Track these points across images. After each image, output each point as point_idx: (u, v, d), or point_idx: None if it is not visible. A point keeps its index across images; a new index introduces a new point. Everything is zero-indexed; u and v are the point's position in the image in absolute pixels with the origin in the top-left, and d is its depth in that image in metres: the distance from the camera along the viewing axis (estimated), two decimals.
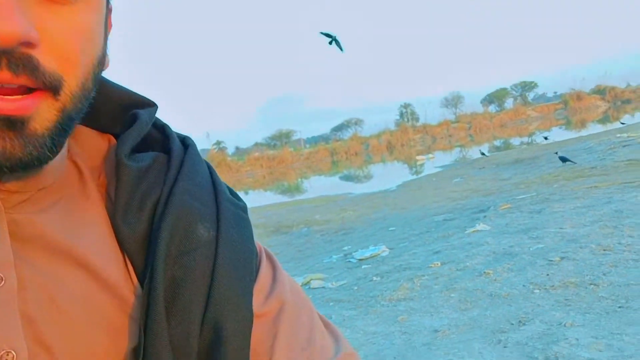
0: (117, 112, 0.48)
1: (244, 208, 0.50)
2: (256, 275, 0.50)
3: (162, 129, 0.50)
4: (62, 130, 0.35)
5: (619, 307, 2.31)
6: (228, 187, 0.51)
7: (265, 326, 0.49)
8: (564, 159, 9.58)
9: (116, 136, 0.49)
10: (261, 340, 0.48)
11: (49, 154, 0.35)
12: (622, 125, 17.51)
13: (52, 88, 0.33)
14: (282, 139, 72.63)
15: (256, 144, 74.33)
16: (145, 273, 0.42)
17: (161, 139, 0.50)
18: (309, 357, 0.51)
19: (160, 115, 0.52)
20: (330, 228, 8.17)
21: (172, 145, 0.48)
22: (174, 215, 0.43)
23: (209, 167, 0.50)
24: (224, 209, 0.46)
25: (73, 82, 0.35)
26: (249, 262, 0.47)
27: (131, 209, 0.44)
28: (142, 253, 0.43)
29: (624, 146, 9.35)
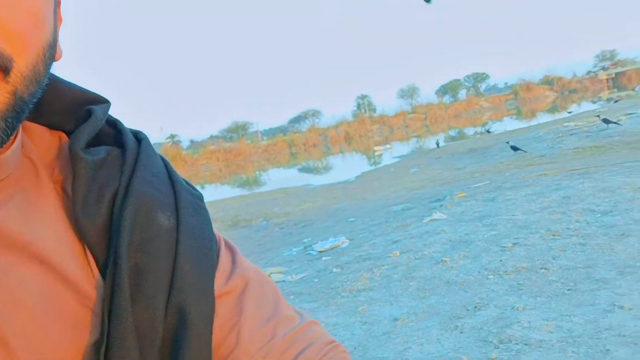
0: (69, 109, 0.48)
1: (200, 197, 0.52)
2: (217, 261, 0.52)
3: (114, 124, 0.51)
4: (15, 114, 0.35)
5: (568, 289, 2.43)
6: (183, 178, 0.52)
7: (231, 303, 0.51)
8: (515, 148, 9.94)
9: (68, 133, 0.49)
10: (227, 318, 0.50)
11: (3, 136, 0.35)
12: (569, 115, 18.25)
13: (2, 68, 0.32)
14: (238, 131, 71.73)
15: (212, 137, 73.13)
16: (107, 263, 0.43)
17: (113, 133, 0.50)
18: (274, 326, 0.53)
19: (111, 110, 0.52)
20: (289, 221, 8.16)
21: (125, 139, 0.49)
22: (134, 205, 0.44)
23: (163, 159, 0.51)
24: (182, 198, 0.48)
25: (23, 63, 0.34)
26: (209, 248, 0.49)
27: (89, 201, 0.44)
28: (104, 244, 0.44)
29: (571, 135, 9.74)
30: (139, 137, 0.50)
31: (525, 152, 9.50)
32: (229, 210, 11.42)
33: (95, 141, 0.49)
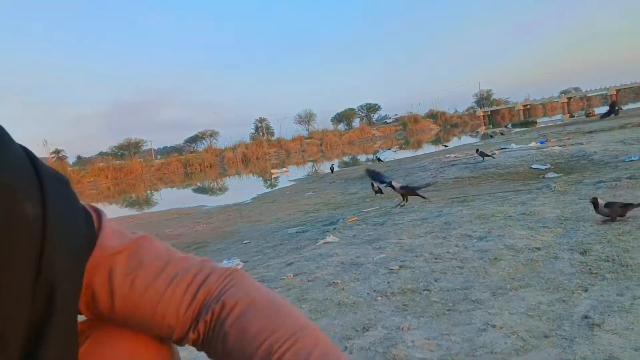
0: None
1: (67, 182, 0.54)
2: (99, 231, 0.60)
3: None
4: None
5: (448, 310, 2.60)
6: (49, 166, 0.53)
7: (124, 260, 0.60)
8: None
9: None
10: (126, 272, 0.60)
11: None
12: (445, 148, 19.78)
13: None
14: (130, 148, 68.43)
15: (101, 154, 69.10)
16: None
17: None
18: (174, 267, 0.65)
19: None
20: (182, 242, 7.88)
21: None
22: None
23: (25, 149, 0.50)
24: (48, 187, 0.48)
25: None
26: (78, 232, 0.53)
27: None
28: None
29: (452, 165, 10.54)
30: None
31: (383, 161, 12.15)
32: None
33: None
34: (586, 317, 2.24)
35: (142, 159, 54.86)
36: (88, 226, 0.58)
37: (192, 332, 0.64)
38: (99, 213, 0.65)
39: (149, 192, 28.79)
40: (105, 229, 0.61)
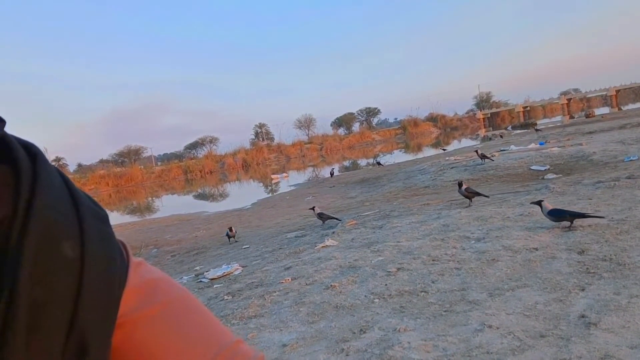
0: None
1: (105, 218, 0.47)
2: (126, 277, 0.48)
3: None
4: None
5: (445, 311, 2.59)
6: (86, 194, 0.47)
7: (147, 329, 0.48)
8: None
9: None
10: (147, 345, 0.48)
11: None
12: (444, 151, 19.81)
13: None
14: (131, 155, 68.65)
15: (102, 161, 69.33)
16: None
17: None
18: (205, 348, 0.50)
19: None
20: (182, 248, 7.88)
21: (15, 154, 0.42)
22: (38, 233, 0.39)
23: (62, 176, 0.45)
24: (88, 225, 0.43)
25: None
26: (113, 280, 0.45)
27: None
28: None
29: (452, 168, 10.53)
30: (32, 151, 0.43)
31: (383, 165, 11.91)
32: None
33: None
34: (583, 316, 2.24)
35: (142, 166, 54.94)
36: (118, 278, 0.49)
37: None
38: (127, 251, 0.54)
39: (149, 198, 28.81)
40: (133, 279, 0.53)
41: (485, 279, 2.94)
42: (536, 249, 3.30)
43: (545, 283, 2.72)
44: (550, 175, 7.42)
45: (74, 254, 0.41)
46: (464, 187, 5.96)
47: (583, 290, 2.54)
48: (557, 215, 3.74)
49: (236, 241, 7.13)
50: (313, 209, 6.76)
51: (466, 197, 5.84)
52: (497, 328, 2.27)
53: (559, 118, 43.71)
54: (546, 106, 72.02)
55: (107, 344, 0.44)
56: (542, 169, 8.30)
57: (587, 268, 2.82)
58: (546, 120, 41.39)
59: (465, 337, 2.24)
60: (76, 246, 0.41)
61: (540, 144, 12.62)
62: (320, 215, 6.54)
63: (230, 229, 7.24)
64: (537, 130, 20.22)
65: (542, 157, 9.17)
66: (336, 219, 6.47)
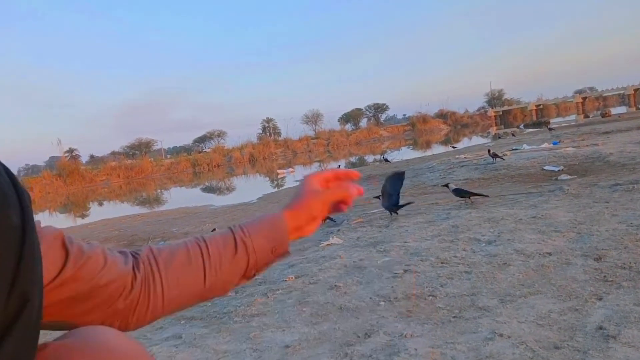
0: None
1: (30, 195, 0.56)
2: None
3: None
4: None
5: (453, 317, 2.48)
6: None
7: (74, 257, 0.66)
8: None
9: None
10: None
11: None
12: (453, 149, 19.62)
13: None
14: (142, 148, 69.15)
15: (113, 153, 69.86)
16: None
17: None
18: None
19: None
20: None
21: None
22: None
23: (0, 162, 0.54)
24: (25, 200, 0.52)
25: None
26: (38, 244, 0.55)
27: None
28: None
29: (462, 166, 10.38)
30: None
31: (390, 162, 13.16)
32: (126, 229, 10.78)
33: None
34: (601, 327, 2.12)
35: (152, 159, 55.16)
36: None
37: (137, 272, 0.72)
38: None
39: (158, 190, 28.91)
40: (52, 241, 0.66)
41: (496, 284, 2.82)
42: (550, 254, 3.17)
43: (559, 290, 2.60)
44: (564, 176, 7.26)
45: (18, 221, 0.50)
46: (452, 187, 5.85)
47: (600, 299, 2.41)
48: (459, 193, 5.60)
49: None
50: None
51: (462, 197, 5.72)
52: (509, 337, 2.16)
53: (573, 117, 43.20)
54: (560, 105, 71.24)
55: (41, 295, 0.55)
56: (556, 169, 8.13)
57: (605, 276, 2.69)
58: (560, 119, 40.91)
59: (474, 346, 2.13)
60: (19, 216, 0.50)
61: (554, 143, 12.43)
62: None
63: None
64: (550, 129, 19.81)
65: (556, 157, 8.99)
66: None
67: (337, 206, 0.90)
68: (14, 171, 0.54)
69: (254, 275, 0.84)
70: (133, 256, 0.75)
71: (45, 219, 21.00)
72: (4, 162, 0.53)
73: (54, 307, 0.64)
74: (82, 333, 0.65)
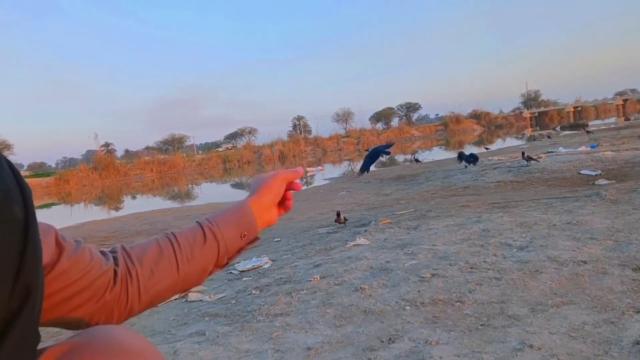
0: None
1: (31, 189, 0.57)
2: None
3: None
4: None
5: (481, 325, 2.40)
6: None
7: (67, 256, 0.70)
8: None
9: None
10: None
11: None
12: (486, 150, 19.22)
13: None
14: (174, 144, 70.53)
15: (147, 148, 71.50)
16: None
17: None
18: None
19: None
20: None
21: None
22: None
23: (3, 156, 0.54)
24: (27, 194, 0.54)
25: None
26: (39, 237, 0.57)
27: None
28: None
29: (494, 168, 10.16)
30: None
31: (421, 162, 13.83)
32: (156, 223, 10.96)
33: None
34: (638, 342, 2.01)
35: (184, 154, 56.07)
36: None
37: (116, 268, 0.76)
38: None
39: (189, 186, 29.34)
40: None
41: (527, 292, 2.72)
42: (585, 262, 3.04)
43: (594, 301, 2.48)
44: (602, 181, 7.01)
45: (20, 214, 0.51)
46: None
47: (638, 312, 2.30)
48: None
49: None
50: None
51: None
52: (539, 348, 2.07)
53: (612, 119, 41.80)
54: (599, 107, 69.08)
55: (42, 287, 0.57)
56: (593, 174, 7.86)
57: None
58: (598, 122, 39.60)
59: (502, 356, 2.05)
60: (21, 209, 0.52)
61: (592, 146, 12.04)
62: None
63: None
64: (588, 131, 19.16)
65: (594, 161, 8.70)
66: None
67: (292, 184, 1.01)
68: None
69: (227, 262, 0.89)
70: (111, 253, 0.80)
71: (81, 211, 21.59)
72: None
73: (49, 301, 0.66)
74: (93, 332, 0.67)
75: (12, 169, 0.54)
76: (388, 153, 7.06)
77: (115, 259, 0.79)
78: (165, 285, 0.80)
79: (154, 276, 0.79)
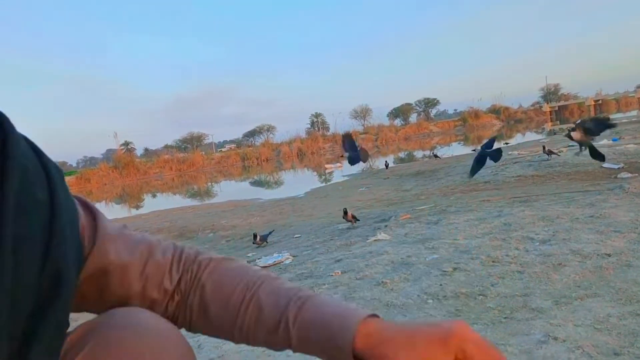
0: None
1: (63, 173, 0.56)
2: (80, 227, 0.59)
3: None
4: None
5: (505, 317, 2.41)
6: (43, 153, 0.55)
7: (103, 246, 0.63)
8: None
9: None
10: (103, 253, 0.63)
11: None
12: (505, 145, 19.00)
13: None
14: (193, 142, 71.11)
15: (166, 146, 72.22)
16: None
17: None
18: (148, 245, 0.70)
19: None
20: (236, 234, 7.98)
21: None
22: (16, 178, 0.45)
23: (26, 138, 0.53)
24: (54, 174, 0.51)
25: None
26: (76, 220, 0.56)
27: None
28: None
29: (515, 163, 10.06)
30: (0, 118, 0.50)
31: (440, 157, 14.79)
32: (177, 221, 11.11)
33: None
34: None
35: (203, 152, 56.52)
36: (78, 218, 0.59)
37: (176, 295, 0.69)
38: (87, 206, 0.66)
39: (209, 183, 29.58)
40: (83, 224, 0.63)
41: (551, 285, 2.72)
42: (609, 255, 3.02)
43: (619, 294, 2.47)
44: (624, 174, 6.90)
45: (44, 197, 0.49)
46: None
47: None
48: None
49: (263, 246, 6.13)
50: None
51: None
52: (564, 341, 2.07)
53: (634, 112, 40.95)
54: (620, 100, 67.68)
55: (76, 273, 0.54)
56: (615, 167, 7.74)
57: None
58: (620, 115, 38.78)
59: (527, 349, 2.06)
60: (45, 191, 0.49)
61: (614, 140, 11.83)
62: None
63: (255, 236, 6.19)
64: (609, 125, 18.73)
65: (616, 154, 8.56)
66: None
67: None
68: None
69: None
70: (183, 267, 0.71)
71: (102, 210, 21.82)
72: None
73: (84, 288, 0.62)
74: (115, 314, 0.63)
75: (34, 147, 0.52)
76: (496, 158, 6.11)
77: (179, 281, 0.69)
78: (206, 332, 0.71)
79: (207, 326, 0.70)
